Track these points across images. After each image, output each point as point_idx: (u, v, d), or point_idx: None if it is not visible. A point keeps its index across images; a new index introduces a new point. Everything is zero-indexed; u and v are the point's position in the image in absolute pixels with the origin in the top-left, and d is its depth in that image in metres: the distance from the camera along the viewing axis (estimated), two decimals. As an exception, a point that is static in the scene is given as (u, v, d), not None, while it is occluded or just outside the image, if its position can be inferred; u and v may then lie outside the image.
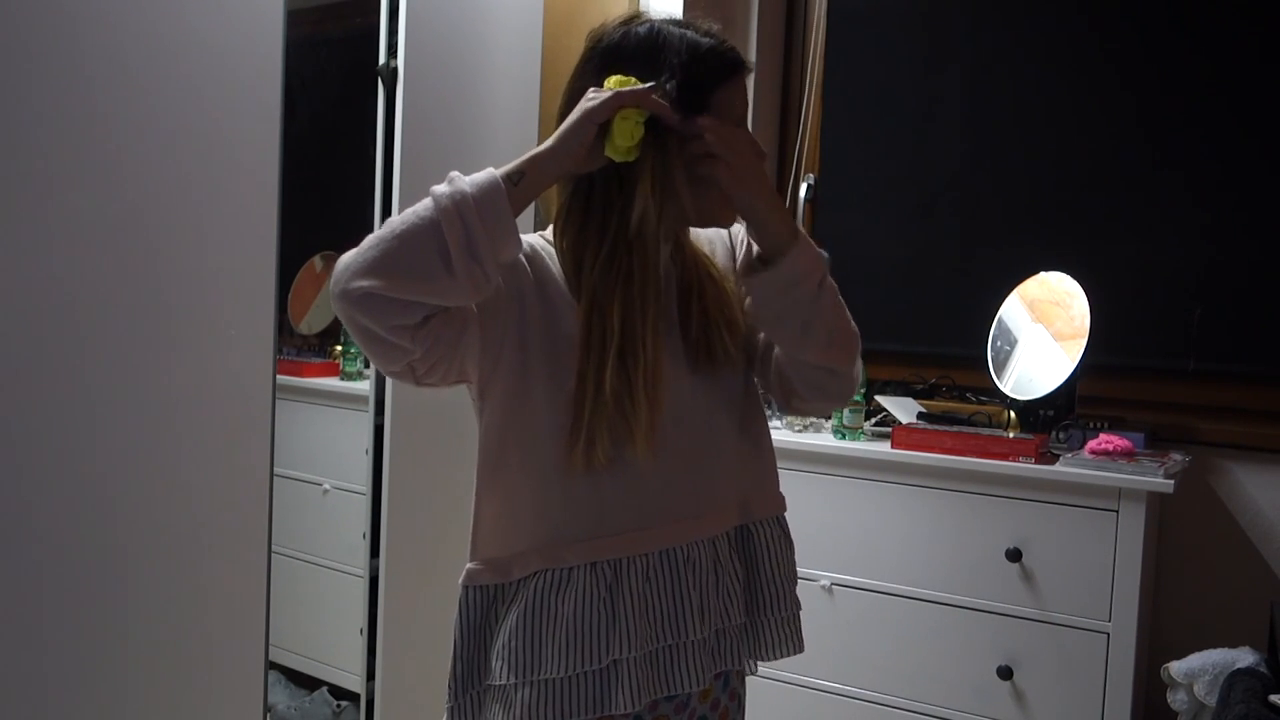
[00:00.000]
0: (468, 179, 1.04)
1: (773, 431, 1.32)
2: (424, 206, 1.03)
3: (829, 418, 2.34)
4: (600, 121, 1.07)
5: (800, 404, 1.27)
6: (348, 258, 1.03)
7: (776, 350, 1.23)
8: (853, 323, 1.22)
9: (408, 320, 1.03)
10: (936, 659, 2.15)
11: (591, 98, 1.08)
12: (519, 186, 1.05)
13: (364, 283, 1.01)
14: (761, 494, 1.28)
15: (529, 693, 1.12)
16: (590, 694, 1.13)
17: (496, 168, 1.06)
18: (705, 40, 1.14)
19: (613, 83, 1.09)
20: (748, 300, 1.19)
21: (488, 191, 1.03)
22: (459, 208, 1.02)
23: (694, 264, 1.23)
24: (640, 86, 1.08)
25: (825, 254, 1.19)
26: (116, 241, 1.55)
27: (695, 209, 1.16)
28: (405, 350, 1.05)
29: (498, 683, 1.15)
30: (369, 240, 1.03)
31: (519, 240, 1.07)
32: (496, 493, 1.17)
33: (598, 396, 1.10)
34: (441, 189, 1.04)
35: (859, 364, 1.25)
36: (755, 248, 1.17)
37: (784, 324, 1.17)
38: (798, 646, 1.29)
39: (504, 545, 1.16)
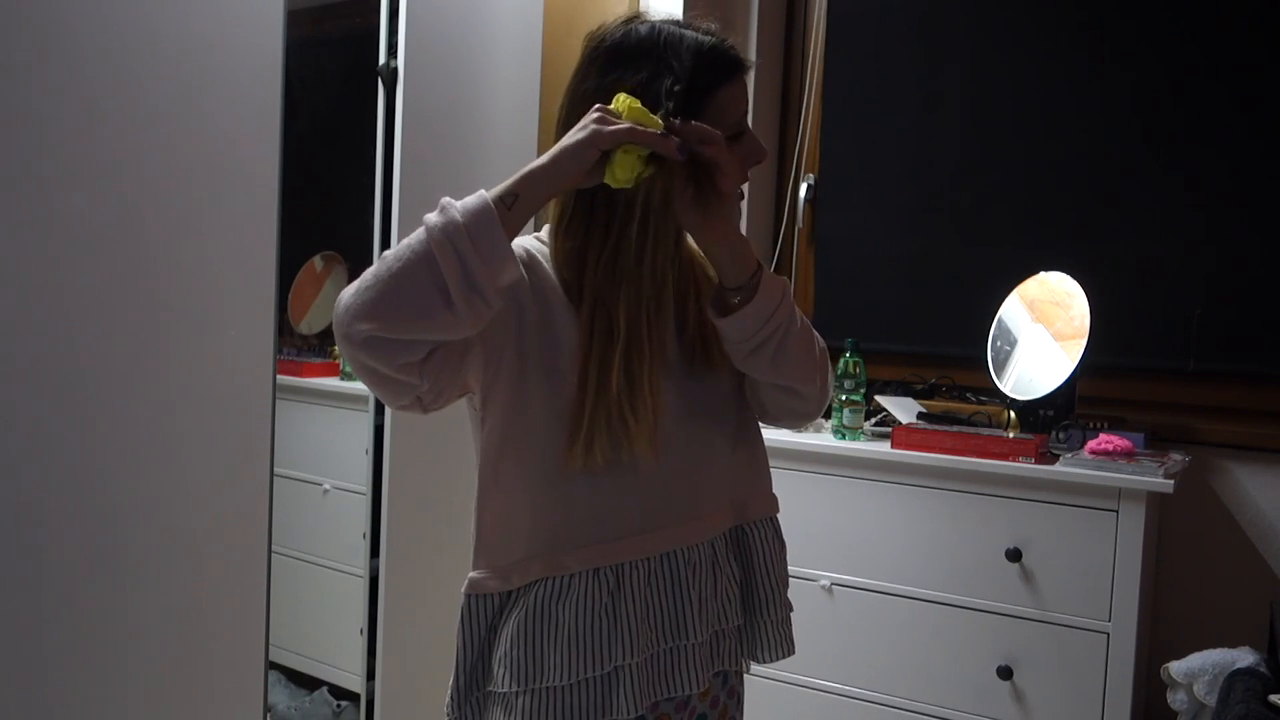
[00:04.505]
0: (459, 205, 1.02)
1: (773, 431, 1.32)
2: (417, 239, 1.01)
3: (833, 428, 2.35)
4: (606, 149, 1.05)
5: (770, 419, 1.29)
6: (346, 298, 1.01)
7: None
8: (819, 342, 1.24)
9: (413, 357, 1.02)
10: (936, 659, 2.15)
11: (598, 119, 1.05)
12: (513, 210, 1.03)
13: (365, 326, 1.00)
14: (757, 494, 1.28)
15: (530, 700, 1.12)
16: (592, 700, 1.13)
17: (489, 188, 1.04)
18: (707, 39, 1.14)
19: (621, 101, 1.07)
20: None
21: (480, 219, 1.01)
22: (452, 240, 0.99)
23: (690, 265, 1.23)
24: (653, 130, 1.05)
25: (786, 280, 1.20)
26: (116, 241, 1.55)
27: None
28: (413, 385, 1.05)
29: (500, 690, 1.14)
30: (366, 278, 1.01)
31: (517, 265, 1.04)
32: (497, 499, 1.17)
33: (600, 396, 1.10)
34: (434, 219, 1.01)
35: (827, 381, 1.26)
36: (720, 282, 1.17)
37: (752, 357, 1.18)
38: (789, 649, 1.29)
39: (505, 552, 1.16)
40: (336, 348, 2.41)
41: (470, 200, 1.02)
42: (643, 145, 1.05)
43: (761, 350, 1.17)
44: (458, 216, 1.01)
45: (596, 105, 1.07)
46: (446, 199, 1.03)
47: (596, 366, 1.11)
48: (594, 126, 1.04)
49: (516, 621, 1.13)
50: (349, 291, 1.02)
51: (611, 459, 1.12)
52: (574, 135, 1.05)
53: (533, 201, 1.05)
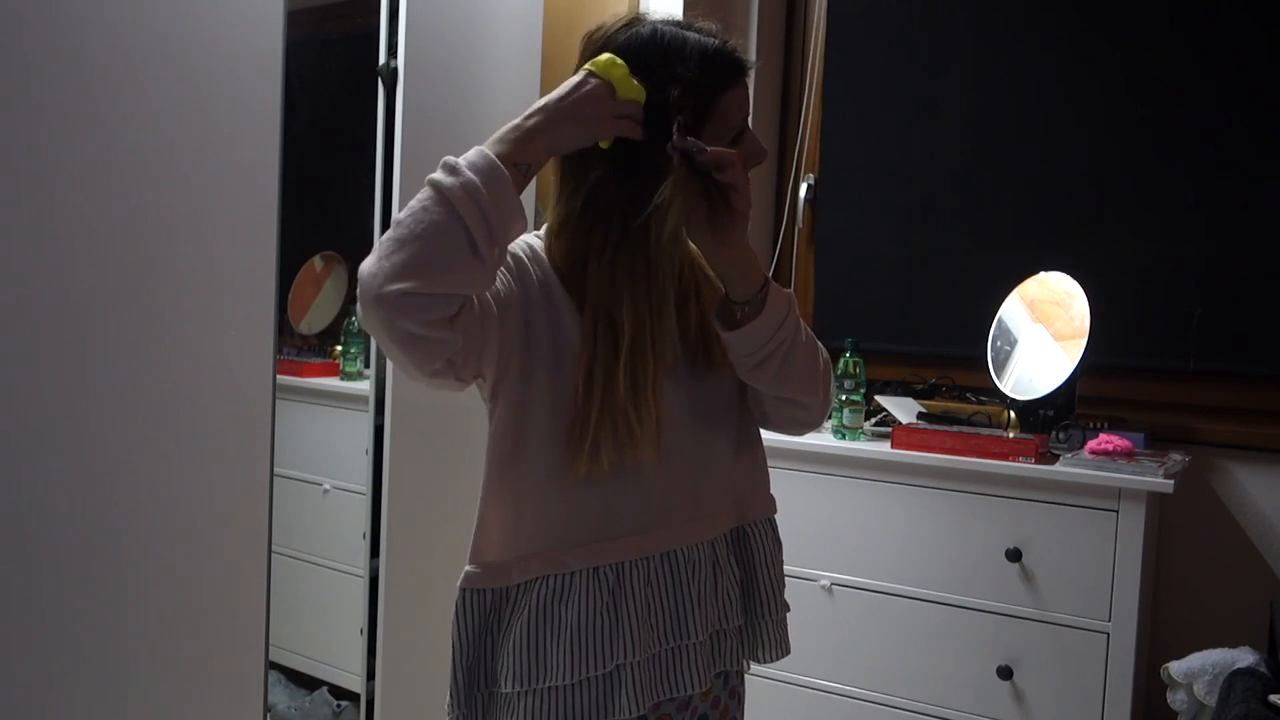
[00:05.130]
0: (467, 166, 1.03)
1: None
2: (430, 199, 1.01)
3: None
4: (614, 135, 1.09)
5: (770, 427, 1.30)
6: (371, 266, 1.01)
7: None
8: (822, 354, 1.25)
9: (446, 312, 1.02)
10: (936, 659, 2.15)
11: (601, 108, 1.08)
12: (525, 175, 1.06)
13: (400, 284, 0.99)
14: (757, 495, 1.29)
15: (533, 701, 1.12)
16: (595, 699, 1.13)
17: (488, 147, 1.06)
18: (711, 42, 1.15)
19: (601, 63, 1.09)
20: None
21: (495, 181, 1.02)
22: (474, 199, 1.01)
23: (690, 265, 1.23)
24: (637, 122, 1.11)
25: (792, 294, 1.22)
26: (116, 241, 1.55)
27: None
28: (447, 342, 1.03)
29: (503, 691, 1.14)
30: (387, 245, 1.01)
31: (526, 220, 1.07)
32: (500, 495, 1.17)
33: (606, 402, 1.10)
34: (447, 180, 1.02)
35: (830, 391, 1.28)
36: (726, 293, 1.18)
37: (757, 370, 1.19)
38: (786, 649, 1.29)
39: (505, 549, 1.16)
40: (337, 347, 2.43)
41: (479, 162, 1.03)
42: (634, 138, 1.11)
43: (767, 363, 1.17)
44: (475, 178, 1.02)
45: (589, 71, 1.09)
46: (449, 158, 1.04)
47: (601, 372, 1.11)
48: (597, 117, 1.08)
49: (520, 624, 1.13)
50: (370, 262, 1.01)
51: (616, 463, 1.12)
52: (575, 110, 1.08)
53: (536, 167, 1.09)
